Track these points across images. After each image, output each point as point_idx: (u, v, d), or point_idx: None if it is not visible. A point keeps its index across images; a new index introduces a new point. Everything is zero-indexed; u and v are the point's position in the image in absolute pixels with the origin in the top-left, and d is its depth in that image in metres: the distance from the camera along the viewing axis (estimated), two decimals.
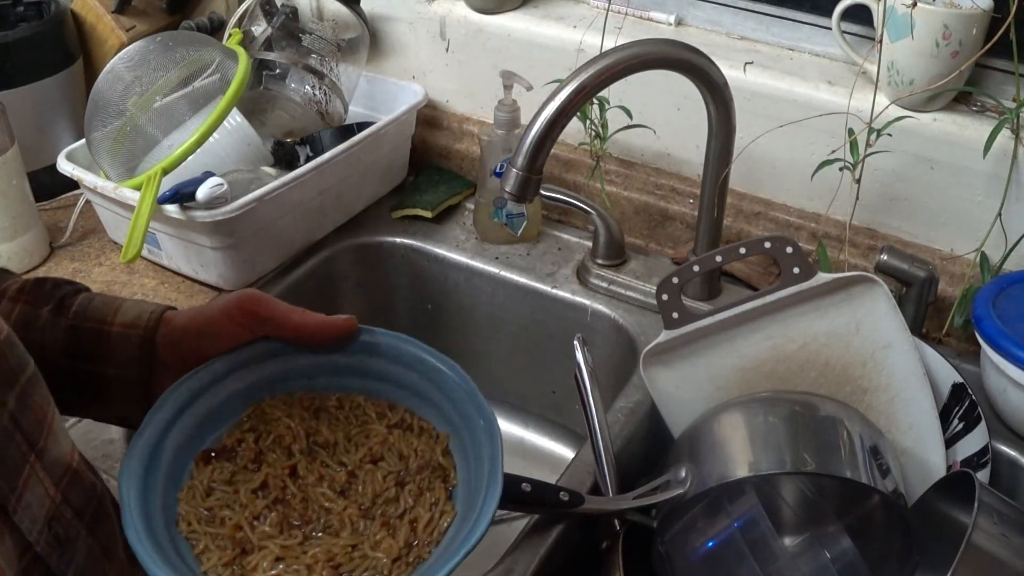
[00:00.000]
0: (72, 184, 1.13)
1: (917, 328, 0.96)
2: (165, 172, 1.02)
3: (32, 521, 0.48)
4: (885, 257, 0.95)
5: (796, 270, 0.84)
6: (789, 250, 0.84)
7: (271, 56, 1.19)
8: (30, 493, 0.48)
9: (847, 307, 0.85)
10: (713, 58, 0.89)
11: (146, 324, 0.65)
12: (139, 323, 0.65)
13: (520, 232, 1.16)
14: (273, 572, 0.58)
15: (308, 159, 1.12)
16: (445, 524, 0.62)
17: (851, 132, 0.93)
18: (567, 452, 1.16)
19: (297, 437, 0.66)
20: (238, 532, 0.60)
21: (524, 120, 1.06)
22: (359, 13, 1.23)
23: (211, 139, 1.05)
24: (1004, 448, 0.88)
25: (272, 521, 0.61)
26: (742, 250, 0.86)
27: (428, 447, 0.67)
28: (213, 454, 0.65)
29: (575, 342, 0.81)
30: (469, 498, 0.62)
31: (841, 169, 0.94)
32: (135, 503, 0.58)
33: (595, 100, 1.06)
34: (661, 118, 1.11)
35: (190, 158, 1.03)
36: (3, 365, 0.49)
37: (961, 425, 0.86)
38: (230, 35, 1.20)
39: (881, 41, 0.96)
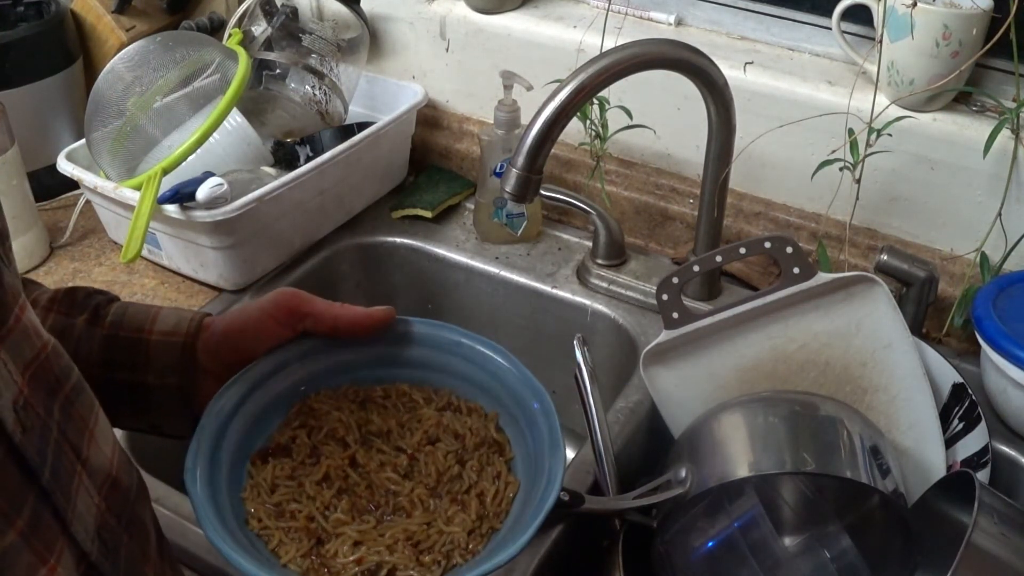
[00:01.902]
0: (72, 184, 1.13)
1: (917, 328, 0.96)
2: (165, 172, 1.02)
3: (86, 531, 0.48)
4: (885, 257, 0.95)
5: (796, 270, 0.84)
6: (789, 250, 0.84)
7: (271, 56, 1.19)
8: (81, 503, 0.48)
9: (847, 307, 0.85)
10: (713, 58, 0.89)
11: (187, 331, 0.65)
12: (179, 330, 0.65)
13: (520, 232, 1.16)
14: (354, 556, 0.59)
15: (308, 159, 1.12)
16: (511, 494, 0.63)
17: (851, 132, 0.93)
18: (567, 452, 1.16)
19: (350, 429, 0.67)
20: (311, 523, 0.61)
21: (524, 120, 1.06)
22: (359, 13, 1.23)
23: (211, 139, 1.05)
24: (1004, 448, 0.88)
25: (343, 508, 0.61)
26: (742, 250, 0.86)
27: (481, 424, 0.68)
28: (269, 453, 0.65)
29: (575, 342, 0.81)
30: (530, 467, 0.64)
31: (841, 169, 0.94)
32: (208, 505, 0.58)
33: (595, 100, 1.06)
34: (661, 118, 1.11)
35: (190, 158, 1.03)
36: (49, 375, 0.49)
37: (961, 425, 0.86)
38: (230, 35, 1.20)
39: (881, 41, 0.96)
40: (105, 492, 0.51)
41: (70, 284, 1.10)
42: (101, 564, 0.49)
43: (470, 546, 0.60)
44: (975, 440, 0.85)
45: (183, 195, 0.99)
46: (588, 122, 1.09)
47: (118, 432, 0.87)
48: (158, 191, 1.00)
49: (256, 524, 0.61)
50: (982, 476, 0.82)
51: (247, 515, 0.61)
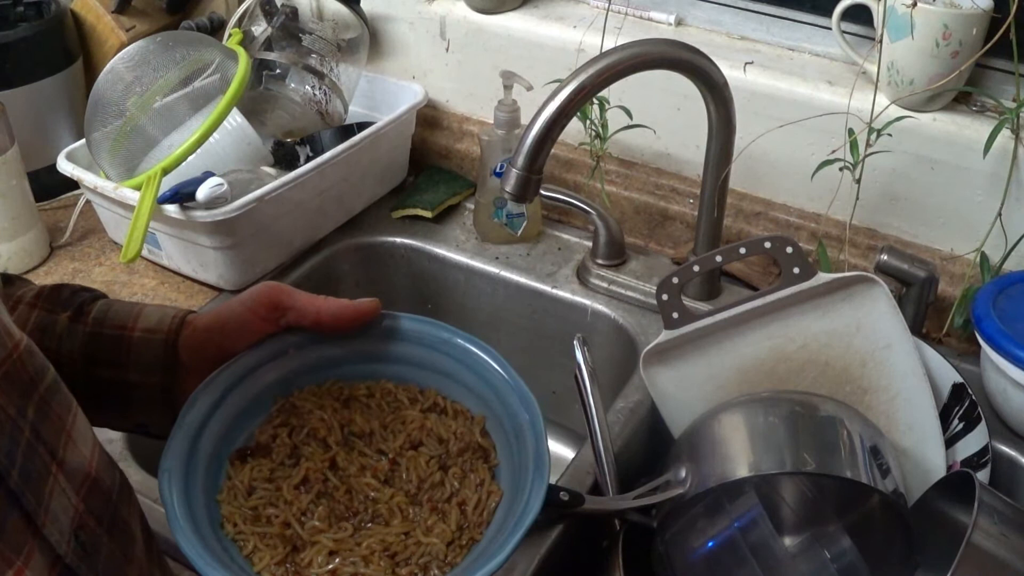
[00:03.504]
0: (72, 184, 1.13)
1: (917, 328, 0.96)
2: (165, 172, 1.02)
3: (60, 533, 0.47)
4: (885, 257, 0.95)
5: (796, 270, 0.84)
6: (789, 250, 0.84)
7: (271, 56, 1.19)
8: (56, 504, 0.48)
9: (847, 307, 0.85)
10: (713, 58, 0.89)
11: (169, 328, 0.64)
12: (161, 327, 0.64)
13: (520, 232, 1.16)
14: (329, 567, 0.58)
15: (308, 159, 1.12)
16: (493, 504, 0.62)
17: (851, 132, 0.93)
18: (567, 452, 1.16)
19: (332, 429, 0.65)
20: (287, 529, 0.59)
21: (524, 120, 1.06)
22: (359, 13, 1.23)
23: (211, 139, 1.05)
24: (1004, 448, 0.88)
25: (320, 515, 0.60)
26: (742, 250, 0.86)
27: (466, 428, 0.66)
28: (248, 452, 0.64)
29: (575, 342, 0.81)
30: (514, 476, 0.62)
31: (841, 169, 0.94)
32: (180, 507, 0.57)
33: (595, 100, 1.06)
34: (661, 118, 1.11)
35: (190, 158, 1.03)
36: (22, 375, 0.48)
37: (961, 425, 0.86)
38: (230, 35, 1.20)
39: (881, 41, 0.96)
40: (84, 493, 0.50)
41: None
42: (77, 566, 0.48)
43: (448, 558, 0.59)
44: (975, 440, 0.85)
45: (183, 195, 0.99)
46: (588, 122, 1.09)
47: (116, 433, 0.88)
48: (158, 191, 1.00)
49: (231, 528, 0.60)
50: (982, 476, 0.82)
51: (222, 518, 0.60)
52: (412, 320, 0.69)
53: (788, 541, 0.83)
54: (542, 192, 1.05)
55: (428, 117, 1.27)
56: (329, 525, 0.60)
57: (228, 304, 0.67)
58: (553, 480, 0.78)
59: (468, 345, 0.68)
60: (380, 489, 0.62)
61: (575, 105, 0.82)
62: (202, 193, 0.98)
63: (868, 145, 0.93)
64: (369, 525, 0.60)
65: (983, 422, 0.85)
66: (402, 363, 0.69)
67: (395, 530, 0.60)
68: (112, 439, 0.88)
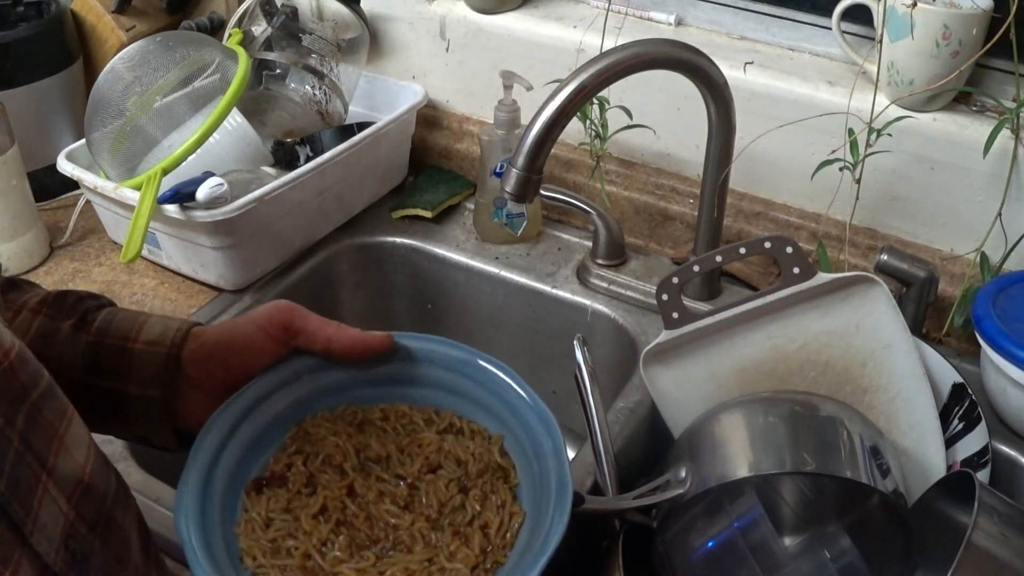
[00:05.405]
0: (72, 184, 1.13)
1: (917, 328, 0.96)
2: (165, 172, 1.02)
3: (49, 542, 0.47)
4: (885, 257, 0.95)
5: (796, 270, 0.84)
6: (789, 250, 0.84)
7: (271, 56, 1.19)
8: (45, 513, 0.47)
9: (847, 307, 0.85)
10: (713, 58, 0.89)
11: (171, 341, 0.64)
12: (164, 340, 0.64)
13: (520, 232, 1.16)
14: None
15: (308, 159, 1.12)
16: (516, 525, 0.61)
17: (851, 132, 0.93)
18: (567, 452, 1.16)
19: (347, 455, 0.64)
20: (308, 561, 0.58)
21: (524, 120, 1.06)
22: (359, 13, 1.23)
23: (211, 139, 1.05)
24: (1004, 448, 0.88)
25: (340, 545, 0.59)
26: (742, 250, 0.86)
27: (484, 448, 0.65)
28: (264, 482, 0.63)
29: (575, 342, 0.81)
30: (536, 495, 0.62)
31: (841, 169, 0.94)
32: (198, 542, 0.56)
33: (595, 100, 1.06)
34: (661, 118, 1.11)
35: (190, 158, 1.03)
36: (13, 382, 0.47)
37: (961, 425, 0.86)
38: (230, 35, 1.20)
39: (881, 41, 0.96)
40: (76, 500, 0.50)
41: (70, 284, 1.10)
42: (66, 575, 0.48)
43: None
44: (975, 440, 0.85)
45: (183, 195, 0.99)
46: (588, 122, 1.09)
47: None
48: (158, 191, 1.00)
49: (251, 563, 0.59)
50: (982, 476, 0.82)
51: (241, 552, 0.59)
52: (425, 340, 0.68)
53: (788, 541, 0.83)
54: (542, 192, 1.05)
55: (428, 117, 1.27)
56: (351, 555, 0.59)
57: (238, 320, 0.66)
58: None
59: (484, 364, 0.67)
60: (400, 515, 0.61)
61: (575, 105, 0.82)
62: (202, 193, 0.98)
63: (868, 145, 0.93)
64: (391, 553, 0.60)
65: (983, 422, 0.85)
66: (416, 385, 0.68)
67: (418, 557, 0.59)
68: (112, 439, 0.87)
